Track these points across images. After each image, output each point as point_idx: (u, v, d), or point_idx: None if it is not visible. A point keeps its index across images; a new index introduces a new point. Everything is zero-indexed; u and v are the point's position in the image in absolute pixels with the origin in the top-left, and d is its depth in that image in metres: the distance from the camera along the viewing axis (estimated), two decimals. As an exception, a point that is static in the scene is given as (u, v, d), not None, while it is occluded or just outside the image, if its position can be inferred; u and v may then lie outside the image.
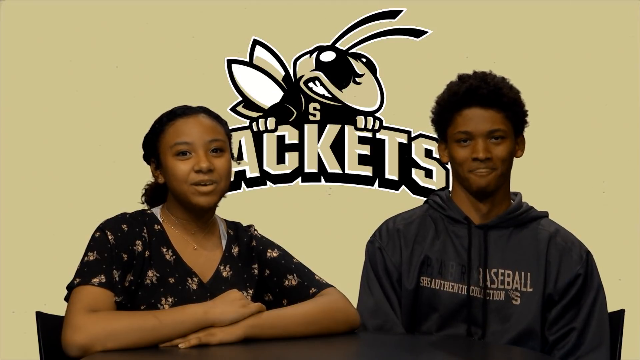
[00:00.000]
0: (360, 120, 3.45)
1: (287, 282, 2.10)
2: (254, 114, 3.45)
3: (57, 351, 1.86)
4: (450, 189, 2.39)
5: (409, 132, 3.45)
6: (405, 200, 3.31)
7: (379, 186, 3.46)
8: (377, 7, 3.46)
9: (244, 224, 2.18)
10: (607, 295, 2.30)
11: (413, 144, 3.45)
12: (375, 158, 3.46)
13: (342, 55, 3.46)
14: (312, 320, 1.99)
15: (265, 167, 3.44)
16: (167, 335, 1.84)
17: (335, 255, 3.26)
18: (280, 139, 3.45)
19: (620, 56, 3.42)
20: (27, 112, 3.40)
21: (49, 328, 2.00)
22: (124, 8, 3.43)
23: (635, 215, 3.40)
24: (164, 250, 2.02)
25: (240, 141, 3.42)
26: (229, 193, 2.10)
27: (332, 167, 3.46)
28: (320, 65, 3.46)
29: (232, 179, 2.10)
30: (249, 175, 3.44)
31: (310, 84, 3.45)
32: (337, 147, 3.45)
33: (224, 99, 3.40)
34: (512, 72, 2.37)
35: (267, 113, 3.45)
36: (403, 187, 3.45)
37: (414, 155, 3.45)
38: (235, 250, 2.11)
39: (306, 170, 3.45)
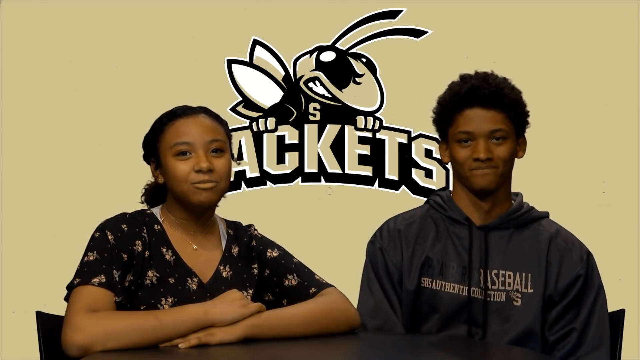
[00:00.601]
0: (360, 120, 3.45)
1: (287, 282, 2.10)
2: (254, 114, 3.45)
3: (57, 351, 1.85)
4: (451, 189, 2.39)
5: (409, 132, 3.45)
6: (405, 200, 3.31)
7: (379, 186, 3.46)
8: (377, 7, 3.46)
9: (244, 224, 2.18)
10: (607, 295, 2.30)
11: (413, 144, 3.45)
12: (375, 158, 3.46)
13: (342, 55, 3.46)
14: (312, 320, 1.99)
15: (265, 167, 3.44)
16: (167, 335, 1.84)
17: (335, 255, 3.26)
18: (280, 139, 3.45)
19: (620, 56, 3.42)
20: (27, 112, 3.40)
21: (49, 328, 2.00)
22: (124, 8, 3.43)
23: (635, 215, 3.40)
24: (164, 250, 2.02)
25: (240, 141, 3.42)
26: (229, 193, 2.10)
27: (332, 167, 3.45)
28: (320, 65, 3.46)
29: (232, 179, 2.10)
30: (249, 175, 3.44)
31: (310, 84, 3.45)
32: (337, 147, 3.45)
33: (224, 99, 3.40)
34: (512, 72, 2.37)
35: (267, 113, 3.45)
36: (403, 187, 3.45)
37: (414, 155, 3.45)
38: (235, 250, 2.11)
39: (306, 170, 3.45)
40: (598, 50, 3.43)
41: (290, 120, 3.45)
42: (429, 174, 3.44)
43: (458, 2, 3.45)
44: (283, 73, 3.46)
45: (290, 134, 3.45)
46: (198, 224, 2.07)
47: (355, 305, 2.18)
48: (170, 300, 1.96)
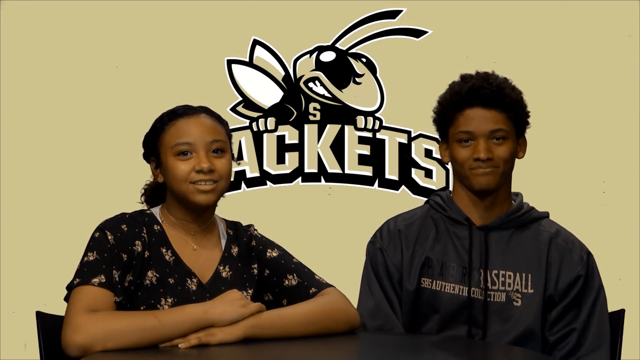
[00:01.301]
0: (360, 120, 3.45)
1: (287, 282, 2.10)
2: (254, 114, 3.45)
3: (57, 351, 1.86)
4: (451, 189, 2.39)
5: (409, 132, 3.45)
6: (405, 200, 3.31)
7: (379, 186, 3.46)
8: (377, 7, 3.46)
9: (244, 224, 2.18)
10: (607, 295, 2.30)
11: (413, 144, 3.45)
12: (375, 158, 3.46)
13: (342, 55, 3.46)
14: (312, 320, 1.99)
15: (265, 167, 3.44)
16: (167, 335, 1.84)
17: (335, 255, 3.26)
18: (280, 139, 3.45)
19: (620, 56, 3.42)
20: (27, 112, 3.40)
21: (49, 328, 2.00)
22: (124, 8, 3.43)
23: (635, 215, 3.40)
24: (164, 250, 2.02)
25: (240, 141, 3.42)
26: (228, 193, 2.10)
27: (332, 167, 3.45)
28: (320, 65, 3.46)
29: (232, 179, 2.10)
30: (249, 175, 3.44)
31: (310, 84, 3.45)
32: (337, 147, 3.45)
33: (224, 99, 3.40)
34: (512, 72, 2.37)
35: (267, 113, 3.45)
36: (403, 187, 3.45)
37: (414, 155, 3.45)
38: (234, 250, 2.11)
39: (306, 170, 3.45)
40: (598, 50, 3.43)
41: (290, 120, 3.45)
42: (429, 174, 3.44)
43: (458, 2, 3.45)
44: (283, 73, 3.46)
45: (290, 134, 3.45)
46: (198, 223, 2.07)
47: (355, 306, 2.18)
48: (169, 300, 1.96)
